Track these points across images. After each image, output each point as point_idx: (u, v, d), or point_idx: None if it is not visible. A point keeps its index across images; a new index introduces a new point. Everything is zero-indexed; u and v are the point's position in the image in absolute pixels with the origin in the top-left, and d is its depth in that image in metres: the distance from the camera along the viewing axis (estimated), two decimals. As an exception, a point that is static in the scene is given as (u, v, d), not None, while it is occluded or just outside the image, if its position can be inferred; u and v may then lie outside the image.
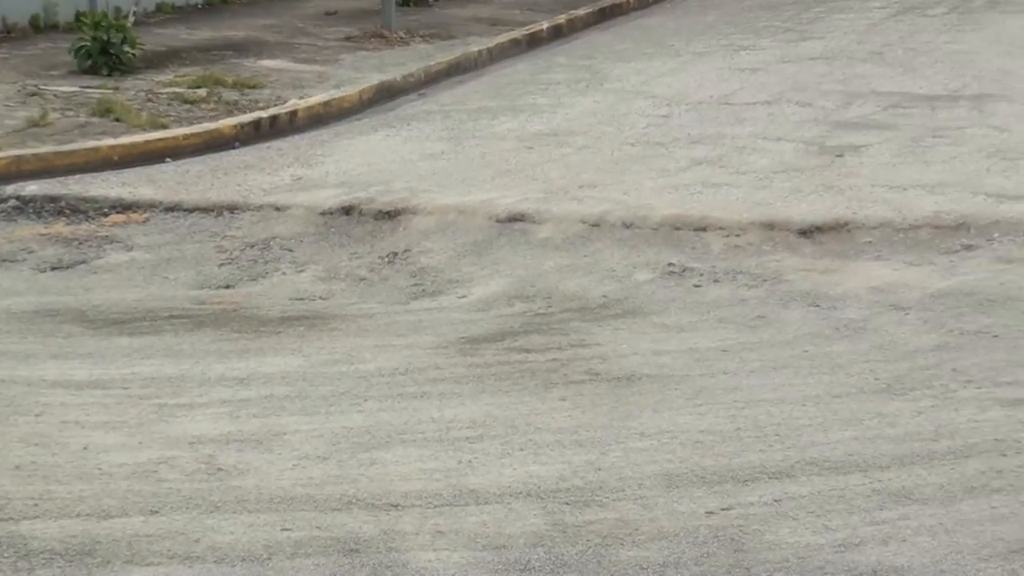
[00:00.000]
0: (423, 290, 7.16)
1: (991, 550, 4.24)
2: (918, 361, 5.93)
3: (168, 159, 9.32)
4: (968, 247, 7.23)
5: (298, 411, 5.50)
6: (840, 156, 8.91)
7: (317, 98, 10.64)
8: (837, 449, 5.01)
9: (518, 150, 9.29)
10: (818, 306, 6.66)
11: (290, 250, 7.72)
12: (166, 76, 11.42)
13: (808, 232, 7.49)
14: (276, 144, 9.74)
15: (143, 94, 10.77)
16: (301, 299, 7.08)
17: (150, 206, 8.33)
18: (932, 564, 4.18)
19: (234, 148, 9.65)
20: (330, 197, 8.28)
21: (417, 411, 5.47)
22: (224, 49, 12.72)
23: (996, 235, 7.32)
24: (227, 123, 9.92)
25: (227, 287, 7.32)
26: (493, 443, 5.13)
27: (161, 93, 10.80)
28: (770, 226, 7.56)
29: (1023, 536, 4.32)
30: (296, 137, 9.91)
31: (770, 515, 4.52)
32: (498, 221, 7.82)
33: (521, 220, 7.80)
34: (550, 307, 6.82)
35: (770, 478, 4.79)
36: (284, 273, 7.44)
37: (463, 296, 7.03)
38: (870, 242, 7.37)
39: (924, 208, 7.69)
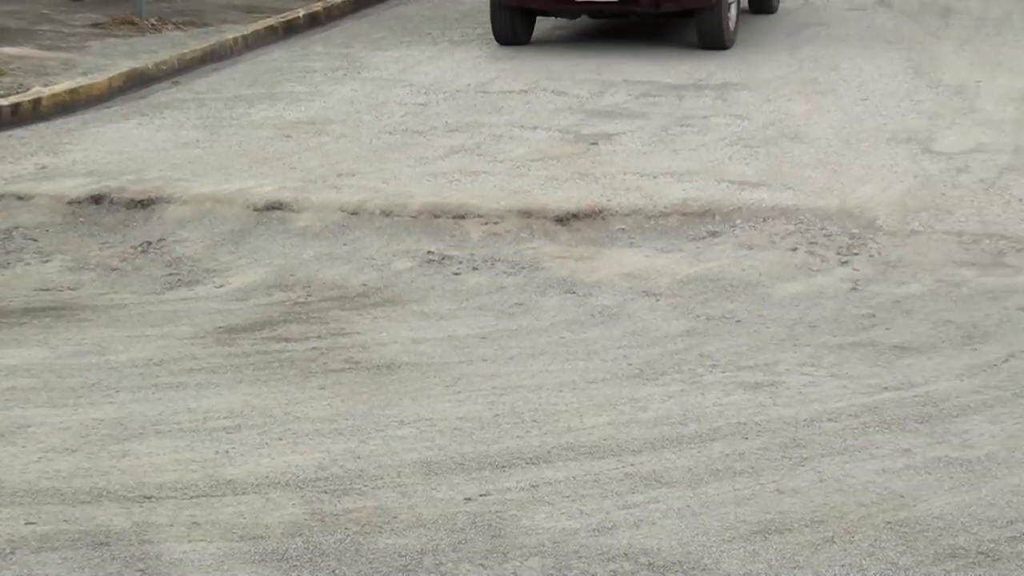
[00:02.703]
0: (179, 280, 7.02)
1: (734, 532, 4.40)
2: (668, 346, 6.10)
3: (-99, 146, 8.90)
4: (713, 233, 7.48)
5: (44, 403, 5.33)
6: (594, 144, 9.10)
7: (63, 85, 10.30)
8: (592, 434, 5.12)
9: (276, 139, 9.19)
10: (574, 293, 6.79)
11: (35, 240, 7.47)
12: None
13: (564, 220, 7.63)
14: (18, 133, 9.39)
15: None
16: (47, 290, 6.86)
17: None
18: (680, 546, 4.31)
19: (-26, 135, 9.27)
20: (78, 186, 8.05)
21: (172, 402, 5.36)
22: (-38, 33, 12.20)
23: (738, 221, 7.59)
24: (-37, 111, 9.52)
25: (-31, 278, 7.03)
26: (251, 433, 5.08)
27: None
28: (527, 214, 7.67)
29: (763, 518, 4.49)
30: (41, 125, 9.58)
31: (527, 500, 4.59)
32: (256, 210, 7.73)
33: (279, 209, 7.73)
34: (309, 296, 6.78)
35: (527, 464, 4.86)
36: (28, 263, 7.20)
37: (220, 286, 6.93)
38: (623, 229, 7.55)
39: (673, 195, 7.92)
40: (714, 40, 11.94)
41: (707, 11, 11.73)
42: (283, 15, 13.48)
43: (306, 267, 7.13)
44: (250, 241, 7.45)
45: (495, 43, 12.37)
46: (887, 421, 5.26)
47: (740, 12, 12.44)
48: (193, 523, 4.39)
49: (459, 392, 5.52)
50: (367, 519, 4.44)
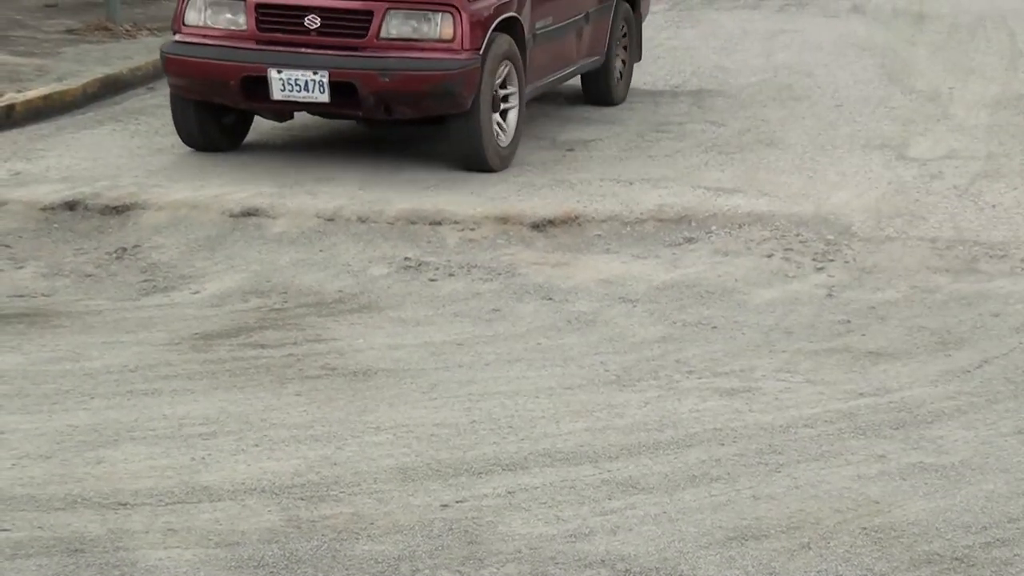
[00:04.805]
0: (154, 286, 7.00)
1: (710, 538, 4.41)
2: (645, 352, 6.11)
3: None
4: (689, 240, 7.50)
5: (17, 410, 5.30)
6: (571, 150, 9.11)
7: (36, 91, 10.24)
8: (569, 440, 5.12)
9: (251, 144, 9.16)
10: (551, 299, 6.80)
11: (7, 246, 7.44)
12: None
13: (541, 226, 7.64)
14: (-7, 138, 9.36)
15: None
16: (21, 296, 6.82)
17: None
18: (657, 552, 4.32)
19: (-53, 140, 9.17)
20: (52, 192, 8.01)
21: (148, 408, 5.34)
22: (-66, 39, 12.13)
23: (714, 228, 7.61)
24: (-63, 117, 9.45)
25: (-58, 284, 7.00)
26: (227, 439, 5.06)
27: None
28: (504, 220, 7.67)
29: (739, 524, 4.50)
30: (14, 132, 9.52)
31: (503, 507, 4.59)
32: (232, 216, 7.71)
33: (255, 215, 7.72)
34: (286, 302, 6.77)
35: (504, 470, 4.87)
36: (2, 270, 7.16)
37: (196, 292, 6.91)
38: (599, 235, 7.57)
39: (649, 202, 7.94)
40: (473, 157, 8.28)
41: (460, 118, 8.15)
42: (258, 21, 13.43)
43: (282, 273, 7.12)
44: (226, 247, 7.44)
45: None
46: (862, 427, 5.29)
47: (522, 119, 8.68)
48: (169, 530, 4.37)
49: (436, 398, 5.52)
50: (344, 525, 4.44)
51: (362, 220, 7.66)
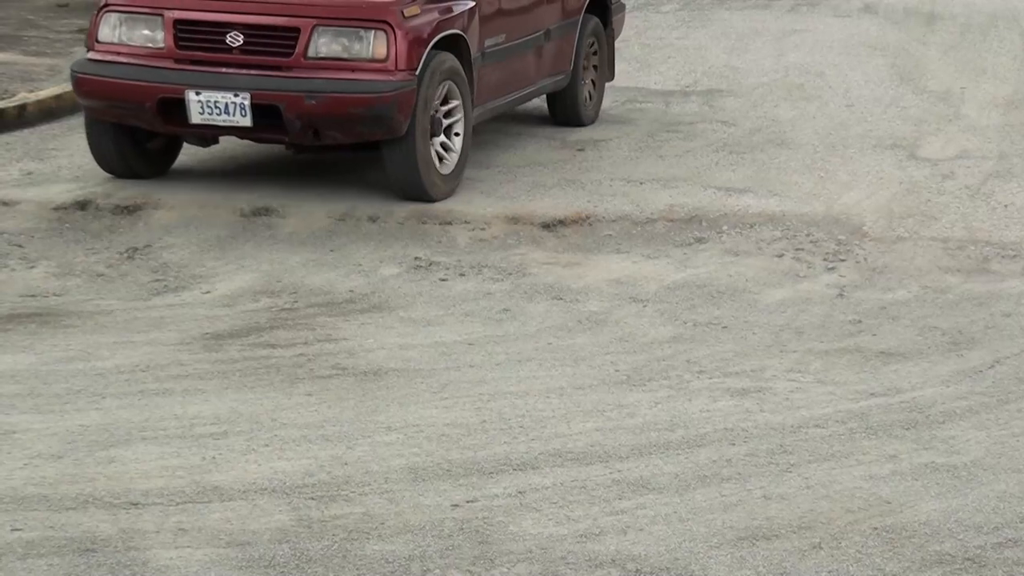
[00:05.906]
0: (165, 286, 7.01)
1: (721, 538, 4.40)
2: (655, 352, 6.11)
3: None
4: (700, 240, 7.50)
5: (29, 409, 5.31)
6: (581, 150, 9.11)
7: (49, 91, 10.25)
8: (579, 440, 5.12)
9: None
10: (561, 299, 6.80)
11: (20, 246, 7.45)
12: None
13: (551, 225, 7.64)
14: (3, 139, 9.35)
15: None
16: (32, 296, 6.84)
17: None
18: (667, 552, 4.31)
19: (-42, 141, 9.16)
20: (63, 192, 8.03)
21: (159, 408, 5.35)
22: (-53, 39, 12.15)
23: (725, 228, 7.61)
24: (-51, 116, 9.46)
25: (-46, 284, 7.01)
26: (238, 439, 5.07)
27: None
28: (514, 220, 7.68)
29: (750, 524, 4.50)
30: (26, 131, 9.54)
31: (514, 507, 4.59)
32: (243, 215, 7.72)
33: (266, 214, 7.73)
34: (296, 302, 6.77)
35: (514, 470, 4.86)
36: (13, 269, 7.18)
37: (207, 292, 6.92)
38: (610, 235, 7.56)
39: (660, 202, 7.94)
40: (409, 185, 7.73)
41: (395, 144, 7.58)
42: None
43: (293, 273, 7.12)
44: (237, 247, 7.45)
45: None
46: (873, 427, 5.28)
47: (468, 144, 8.10)
48: (180, 529, 4.38)
49: (446, 398, 5.52)
50: (354, 525, 4.44)
51: (372, 220, 7.67)
